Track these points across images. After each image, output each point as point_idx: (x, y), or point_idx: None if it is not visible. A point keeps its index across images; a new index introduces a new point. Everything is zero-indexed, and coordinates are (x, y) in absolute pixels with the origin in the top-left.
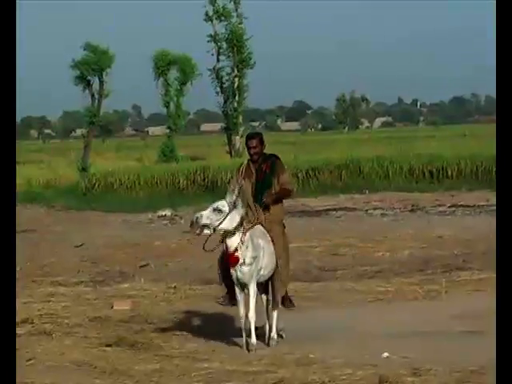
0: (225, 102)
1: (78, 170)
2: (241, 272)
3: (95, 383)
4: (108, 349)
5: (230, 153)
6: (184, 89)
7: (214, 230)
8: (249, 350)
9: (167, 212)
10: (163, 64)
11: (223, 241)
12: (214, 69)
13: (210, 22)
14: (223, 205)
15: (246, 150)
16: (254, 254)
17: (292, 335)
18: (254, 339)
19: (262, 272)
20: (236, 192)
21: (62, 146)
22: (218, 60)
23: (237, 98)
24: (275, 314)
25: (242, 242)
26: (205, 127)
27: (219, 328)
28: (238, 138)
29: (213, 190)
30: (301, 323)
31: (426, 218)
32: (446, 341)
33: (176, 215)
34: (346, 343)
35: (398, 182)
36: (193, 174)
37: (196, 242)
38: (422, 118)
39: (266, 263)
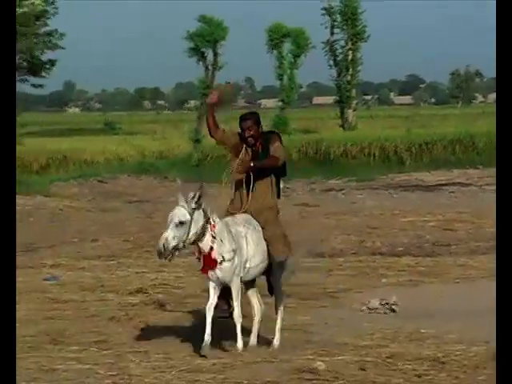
0: (338, 75)
1: (190, 141)
2: (221, 271)
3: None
4: (221, 320)
5: (343, 126)
6: (297, 62)
7: (184, 245)
8: (204, 356)
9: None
10: (277, 37)
11: (198, 248)
12: (327, 42)
13: None
14: (183, 215)
15: (241, 130)
16: (234, 246)
17: (404, 310)
18: (240, 343)
19: (248, 264)
20: (196, 198)
21: (175, 117)
22: (332, 33)
23: (350, 71)
24: (279, 312)
25: (213, 237)
26: (317, 100)
27: (332, 302)
28: (350, 111)
29: (325, 164)
30: (413, 298)
31: None
32: None
33: (288, 187)
34: (459, 319)
35: None
36: (305, 146)
37: (307, 215)
38: None
39: (253, 253)
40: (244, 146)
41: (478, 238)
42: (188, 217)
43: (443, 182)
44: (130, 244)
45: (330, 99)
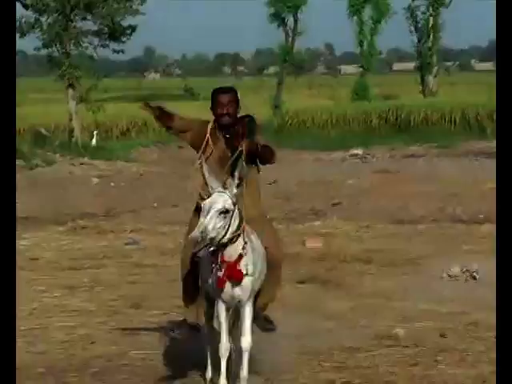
0: (419, 41)
1: (270, 107)
2: (242, 288)
3: (287, 318)
4: (300, 285)
5: (424, 92)
6: (378, 27)
7: (218, 242)
8: None
9: (359, 151)
10: (358, 2)
11: (215, 252)
12: (408, 7)
13: None
14: (227, 201)
15: (214, 107)
16: (254, 259)
17: (485, 278)
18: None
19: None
20: (237, 180)
21: (255, 83)
22: None
23: (431, 37)
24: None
25: (245, 242)
26: (397, 66)
27: (412, 268)
28: (431, 77)
29: (405, 130)
30: (494, 265)
31: None
32: None
33: (368, 154)
34: None
35: None
36: (385, 113)
37: (387, 182)
38: None
39: (261, 269)
40: (211, 132)
41: None
42: (231, 205)
43: None
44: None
45: (410, 65)
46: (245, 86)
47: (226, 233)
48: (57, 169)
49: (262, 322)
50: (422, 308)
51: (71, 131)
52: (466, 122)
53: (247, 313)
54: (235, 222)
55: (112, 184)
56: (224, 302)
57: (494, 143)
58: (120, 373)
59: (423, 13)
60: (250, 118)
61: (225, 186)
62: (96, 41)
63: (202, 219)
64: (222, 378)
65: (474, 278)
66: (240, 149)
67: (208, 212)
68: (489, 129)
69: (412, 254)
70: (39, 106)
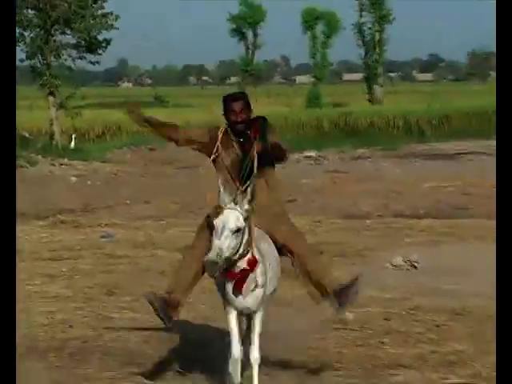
0: (366, 54)
1: None
2: (251, 297)
3: None
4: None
5: (370, 100)
6: (329, 41)
7: (232, 258)
8: None
9: (312, 153)
10: (311, 19)
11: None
12: (356, 24)
13: None
14: (238, 219)
15: (227, 114)
16: (264, 268)
17: (425, 267)
18: None
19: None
20: (249, 196)
21: (218, 91)
22: (361, 16)
23: (377, 50)
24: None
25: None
26: (346, 77)
27: (359, 259)
28: (377, 87)
29: (353, 134)
30: (433, 256)
31: None
32: None
33: (320, 156)
34: (475, 275)
35: None
36: (336, 119)
37: (337, 181)
38: None
39: (275, 272)
40: (223, 132)
41: (493, 202)
42: (243, 222)
43: (461, 151)
44: (178, 206)
45: (358, 76)
46: (209, 94)
47: (238, 250)
48: (39, 169)
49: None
50: (368, 295)
51: (52, 135)
52: (407, 127)
53: (257, 321)
54: (245, 237)
55: (89, 182)
56: (235, 309)
57: (432, 146)
58: (95, 353)
59: (369, 28)
60: (262, 121)
61: (235, 201)
62: (74, 53)
63: (216, 241)
64: None
65: (415, 267)
66: (251, 156)
67: (221, 232)
68: (428, 132)
69: (360, 246)
70: (23, 111)
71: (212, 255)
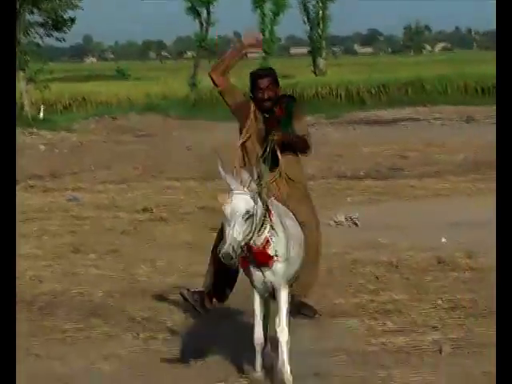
0: (310, 29)
1: (188, 85)
2: (273, 272)
3: (202, 260)
4: (213, 232)
5: (315, 72)
6: (277, 18)
7: (247, 245)
8: None
9: None
10: None
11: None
12: (302, 1)
13: None
14: (248, 203)
15: (254, 91)
16: (287, 242)
17: (365, 224)
18: (287, 370)
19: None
20: (257, 178)
21: (176, 65)
22: None
23: (321, 26)
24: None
25: (272, 228)
26: (293, 51)
27: None
28: (321, 59)
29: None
30: (372, 213)
31: (479, 127)
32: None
33: None
34: (410, 231)
35: (456, 97)
36: (283, 89)
37: None
38: (475, 45)
39: (296, 253)
40: (254, 110)
41: (426, 164)
42: (253, 205)
43: (398, 118)
44: (138, 171)
45: (304, 50)
46: (167, 68)
47: (250, 232)
48: None
49: (298, 308)
50: None
51: (22, 107)
52: (349, 96)
53: (283, 300)
54: (257, 215)
55: (56, 151)
56: (257, 290)
57: (372, 113)
58: (63, 307)
59: (314, 6)
60: (288, 99)
61: (242, 183)
62: (42, 31)
63: (227, 231)
64: (257, 369)
65: (356, 224)
66: (272, 139)
67: (232, 220)
68: (368, 101)
69: None
70: None
71: (227, 248)
